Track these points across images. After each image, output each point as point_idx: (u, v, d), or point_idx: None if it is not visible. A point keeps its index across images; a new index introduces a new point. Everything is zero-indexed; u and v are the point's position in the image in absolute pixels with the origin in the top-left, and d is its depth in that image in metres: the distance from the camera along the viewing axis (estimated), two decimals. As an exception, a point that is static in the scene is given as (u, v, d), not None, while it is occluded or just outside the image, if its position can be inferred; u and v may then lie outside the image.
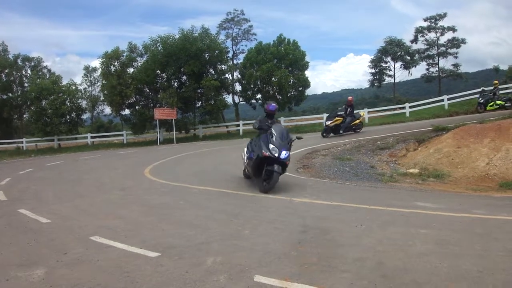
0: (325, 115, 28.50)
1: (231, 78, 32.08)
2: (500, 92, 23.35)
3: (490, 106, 22.52)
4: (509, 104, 22.16)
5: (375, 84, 37.16)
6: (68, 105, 30.02)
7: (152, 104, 29.58)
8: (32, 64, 36.44)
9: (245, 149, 9.57)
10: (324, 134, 19.78)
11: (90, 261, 4.53)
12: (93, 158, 19.50)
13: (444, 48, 34.78)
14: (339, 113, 19.74)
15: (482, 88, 25.17)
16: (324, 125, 20.22)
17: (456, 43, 34.17)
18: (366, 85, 47.45)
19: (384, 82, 37.22)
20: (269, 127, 8.56)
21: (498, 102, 22.40)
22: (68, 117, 30.51)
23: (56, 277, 4.08)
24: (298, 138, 9.18)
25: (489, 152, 10.64)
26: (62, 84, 31.26)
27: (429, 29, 34.92)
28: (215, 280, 3.80)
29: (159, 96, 28.55)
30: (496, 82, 23.66)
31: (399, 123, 23.76)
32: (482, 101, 22.90)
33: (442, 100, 26.97)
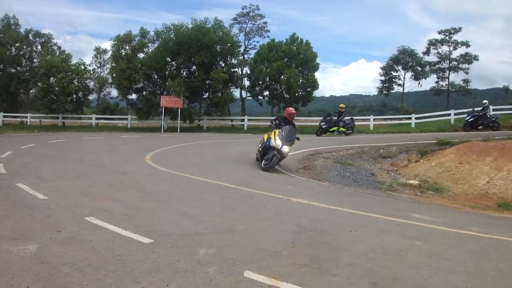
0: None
1: (240, 72, 32.04)
2: (346, 118, 24.03)
3: (331, 132, 23.34)
4: (350, 131, 23.39)
5: (383, 92, 37.01)
6: (76, 85, 30.10)
7: (159, 91, 29.56)
8: (43, 40, 36.42)
9: None
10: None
11: (83, 241, 4.55)
12: (96, 140, 19.55)
13: (455, 63, 34.55)
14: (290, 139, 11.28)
15: (329, 112, 25.91)
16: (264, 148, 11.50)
17: (468, 58, 33.91)
18: (374, 92, 47.26)
19: (392, 91, 37.02)
20: None
21: (341, 129, 23.33)
22: (74, 96, 30.60)
23: (48, 254, 4.10)
24: None
25: (490, 170, 10.61)
26: (72, 63, 31.31)
27: (442, 42, 34.67)
28: (205, 272, 3.82)
29: (167, 83, 28.54)
30: (343, 106, 24.31)
31: (404, 133, 23.73)
32: (325, 126, 23.50)
33: (449, 115, 26.86)
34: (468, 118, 23.69)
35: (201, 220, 5.74)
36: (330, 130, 23.24)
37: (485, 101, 24.19)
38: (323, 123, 23.41)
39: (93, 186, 7.95)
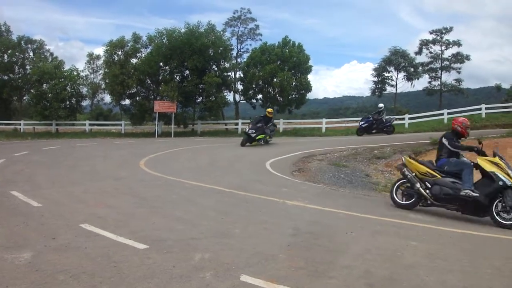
0: (324, 120, 28.44)
1: (233, 76, 32.04)
2: None
3: (257, 140, 19.29)
4: (271, 139, 20.25)
5: (376, 93, 37.14)
6: (69, 91, 29.90)
7: (152, 96, 29.47)
8: (35, 46, 36.25)
9: None
10: None
11: (78, 248, 4.52)
12: (90, 146, 19.44)
13: (447, 62, 34.79)
14: None
15: (259, 117, 21.73)
16: None
17: (460, 58, 34.18)
18: (367, 93, 47.44)
19: (385, 92, 37.17)
20: None
21: (267, 136, 19.73)
22: (68, 102, 30.36)
23: (43, 262, 4.07)
24: None
25: (484, 169, 10.64)
26: (64, 69, 31.18)
27: (434, 42, 34.91)
28: (201, 277, 3.80)
29: (160, 88, 28.41)
30: (271, 111, 21.19)
31: (397, 134, 23.78)
32: (254, 134, 19.24)
33: (442, 114, 27.01)
34: (362, 123, 23.41)
35: (196, 224, 5.73)
36: (257, 138, 19.12)
37: (381, 105, 24.10)
38: (252, 130, 19.04)
39: (87, 193, 7.90)
